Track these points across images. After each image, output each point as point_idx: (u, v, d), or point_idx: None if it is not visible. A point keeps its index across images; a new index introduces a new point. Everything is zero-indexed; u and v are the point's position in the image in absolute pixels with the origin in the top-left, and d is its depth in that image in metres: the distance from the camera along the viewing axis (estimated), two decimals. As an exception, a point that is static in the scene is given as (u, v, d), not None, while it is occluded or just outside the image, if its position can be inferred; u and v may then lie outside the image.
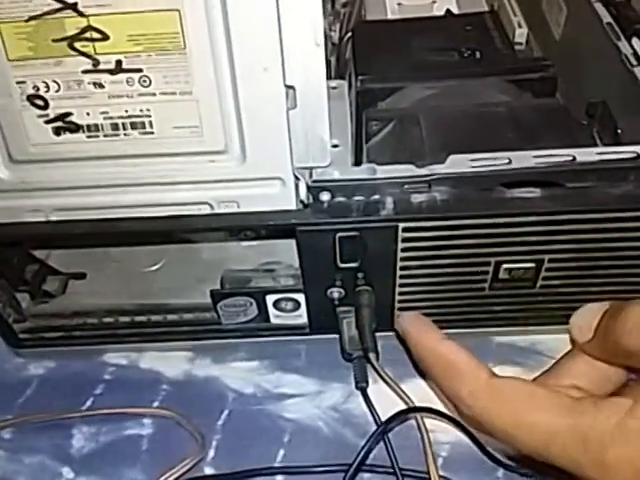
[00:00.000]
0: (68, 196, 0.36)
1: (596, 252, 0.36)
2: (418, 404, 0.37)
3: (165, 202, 0.36)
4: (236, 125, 0.33)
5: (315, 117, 0.33)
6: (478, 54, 0.45)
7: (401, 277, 0.38)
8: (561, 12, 0.52)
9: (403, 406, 0.37)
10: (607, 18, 0.45)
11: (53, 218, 0.36)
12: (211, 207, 0.36)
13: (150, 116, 0.33)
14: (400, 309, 0.41)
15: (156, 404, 0.42)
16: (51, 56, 0.32)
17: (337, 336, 0.41)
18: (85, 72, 0.32)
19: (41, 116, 0.33)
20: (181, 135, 0.34)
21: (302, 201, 0.36)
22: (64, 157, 0.35)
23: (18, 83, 0.32)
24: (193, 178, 0.35)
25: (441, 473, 0.37)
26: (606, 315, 0.29)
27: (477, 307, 0.40)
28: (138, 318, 0.44)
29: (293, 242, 0.37)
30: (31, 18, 0.30)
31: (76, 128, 0.34)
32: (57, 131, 0.34)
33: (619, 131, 0.39)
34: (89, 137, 0.34)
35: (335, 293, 0.40)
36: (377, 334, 0.42)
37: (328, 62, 0.52)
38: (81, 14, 0.31)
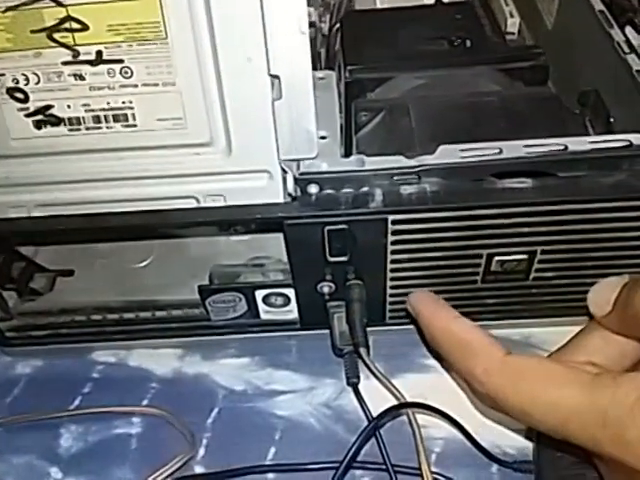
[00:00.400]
0: (51, 191, 0.35)
1: (589, 242, 0.36)
2: (410, 399, 0.37)
3: (150, 196, 0.35)
4: (221, 117, 0.33)
5: (301, 108, 0.32)
6: (468, 43, 0.44)
7: (392, 270, 0.38)
8: (553, 1, 0.51)
9: (395, 402, 0.36)
10: (599, 6, 0.44)
11: (36, 214, 0.36)
12: (197, 201, 0.35)
13: (133, 108, 0.33)
14: (392, 303, 0.40)
15: (145, 402, 0.41)
16: (30, 48, 0.31)
17: (329, 331, 0.41)
18: (65, 63, 0.31)
19: (21, 109, 0.33)
20: (165, 127, 0.33)
21: (290, 194, 0.35)
22: (46, 151, 0.34)
23: (-3, 76, 0.32)
24: (178, 171, 0.34)
25: (435, 469, 0.37)
26: (625, 288, 0.29)
27: (470, 300, 0.40)
28: (126, 315, 0.43)
29: (282, 236, 0.36)
30: (9, 9, 0.30)
31: (57, 121, 0.33)
32: (38, 125, 0.33)
33: (611, 120, 0.38)
34: (71, 130, 0.33)
35: (325, 288, 0.39)
36: (369, 329, 0.41)
37: (318, 53, 0.51)
38: (60, 4, 0.30)
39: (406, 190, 0.34)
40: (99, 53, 0.31)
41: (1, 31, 0.30)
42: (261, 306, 0.41)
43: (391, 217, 0.34)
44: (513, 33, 0.52)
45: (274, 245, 0.41)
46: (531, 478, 0.35)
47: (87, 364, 0.44)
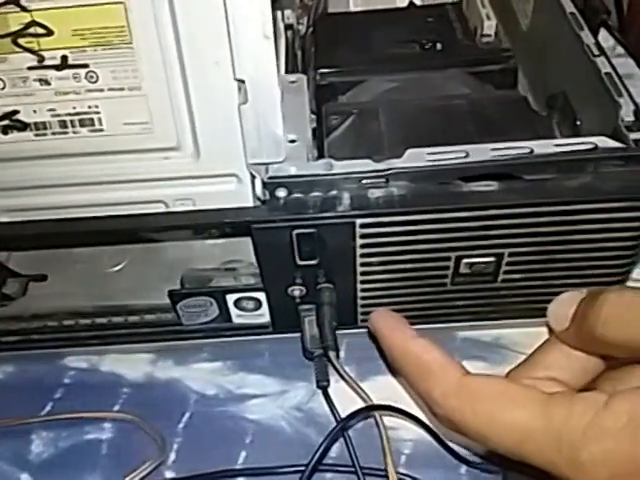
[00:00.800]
0: (19, 197, 0.35)
1: (556, 245, 0.36)
2: (382, 402, 0.37)
3: (119, 201, 0.35)
4: (188, 121, 0.33)
5: (267, 112, 0.32)
6: (439, 46, 0.45)
7: (362, 274, 0.38)
8: (528, 3, 0.52)
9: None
10: (570, 8, 0.45)
11: (4, 219, 0.36)
12: (166, 205, 0.35)
13: (99, 113, 0.32)
14: (363, 306, 0.40)
15: (117, 408, 0.41)
16: (-5, 53, 0.31)
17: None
18: (30, 68, 0.31)
19: (-13, 115, 0.33)
20: (132, 132, 0.33)
21: (259, 198, 0.35)
22: (13, 157, 0.34)
23: (-39, 82, 0.31)
24: (146, 176, 0.34)
25: (404, 470, 0.37)
26: (582, 303, 0.29)
27: (440, 302, 0.40)
28: (99, 320, 0.43)
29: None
30: (-28, 15, 0.30)
31: (23, 126, 0.33)
32: (4, 130, 0.33)
33: (578, 122, 0.38)
34: (37, 135, 0.33)
35: (296, 291, 0.39)
36: (343, 331, 0.41)
37: (294, 56, 0.52)
38: (24, 9, 0.30)
39: (374, 194, 0.34)
40: (64, 58, 0.31)
41: (-35, 37, 0.30)
42: (233, 310, 0.41)
43: (359, 221, 0.34)
44: (490, 35, 0.52)
45: (248, 249, 0.41)
46: (499, 479, 0.36)
47: (59, 370, 0.43)
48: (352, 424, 0.38)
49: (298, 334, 0.41)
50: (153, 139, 0.33)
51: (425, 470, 0.37)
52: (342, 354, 0.42)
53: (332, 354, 0.37)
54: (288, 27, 0.53)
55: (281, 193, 0.35)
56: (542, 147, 0.34)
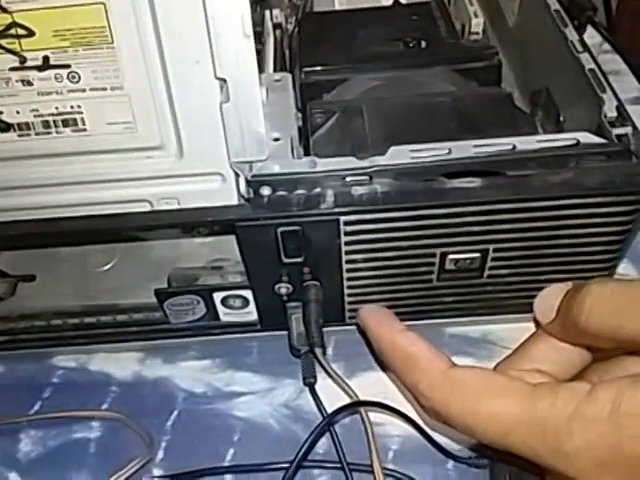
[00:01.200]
0: (3, 197, 0.35)
1: (540, 240, 0.36)
2: (370, 398, 0.37)
3: (103, 200, 0.35)
4: (171, 120, 0.33)
5: (249, 110, 0.32)
6: (423, 44, 0.45)
7: (348, 271, 0.38)
8: (515, 0, 0.52)
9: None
10: (555, 5, 0.45)
11: (-12, 219, 0.36)
12: (151, 204, 0.35)
13: (82, 113, 0.33)
14: (350, 303, 0.40)
15: (105, 406, 0.41)
16: (-24, 54, 0.31)
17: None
18: (12, 69, 0.31)
19: (-30, 116, 0.33)
20: (115, 131, 0.33)
21: (243, 196, 0.35)
22: (-4, 157, 0.34)
23: (-57, 84, 0.31)
24: (130, 175, 0.35)
25: (392, 466, 0.37)
26: (567, 295, 0.29)
27: (427, 299, 0.40)
28: (87, 319, 0.43)
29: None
30: (-47, 16, 0.30)
31: (6, 127, 0.33)
32: (-13, 131, 0.33)
33: (561, 119, 0.38)
34: (20, 136, 0.33)
35: (283, 289, 0.39)
36: (331, 328, 0.42)
37: (283, 55, 0.52)
38: (5, 10, 0.30)
39: (357, 191, 0.34)
40: (46, 58, 0.31)
41: (-54, 38, 0.30)
42: (220, 308, 0.41)
43: (343, 218, 0.34)
44: (478, 33, 0.52)
45: (234, 247, 0.41)
46: (486, 474, 0.36)
47: (47, 369, 0.43)
48: (338, 420, 0.38)
49: (286, 332, 0.41)
50: (136, 138, 0.33)
51: (412, 465, 0.37)
52: (330, 351, 0.43)
53: (318, 351, 0.37)
54: (277, 26, 0.53)
55: (265, 191, 0.35)
56: (524, 143, 0.34)
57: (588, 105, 0.37)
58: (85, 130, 0.33)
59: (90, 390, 0.42)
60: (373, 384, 0.41)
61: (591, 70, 0.39)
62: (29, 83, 0.32)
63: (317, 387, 0.39)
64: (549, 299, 0.30)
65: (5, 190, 0.35)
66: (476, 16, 0.53)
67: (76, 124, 0.33)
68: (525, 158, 0.34)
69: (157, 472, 0.38)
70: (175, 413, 0.41)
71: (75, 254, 0.46)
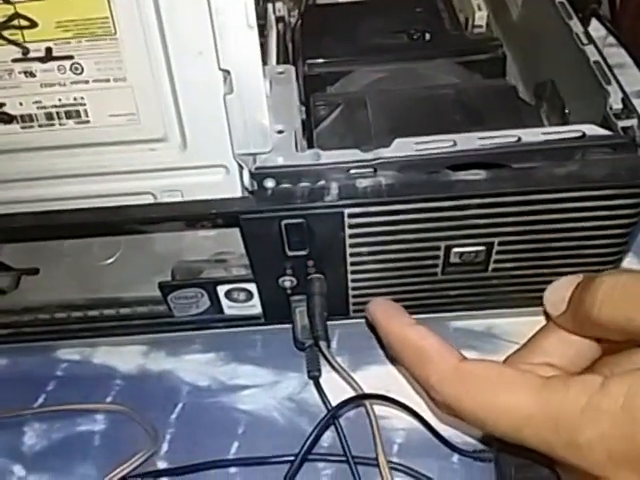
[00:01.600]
0: (6, 189, 0.35)
1: (544, 233, 0.36)
2: (374, 391, 0.37)
3: (106, 193, 0.35)
4: (174, 112, 0.33)
5: (253, 102, 0.32)
6: (427, 36, 0.44)
7: (352, 264, 0.38)
8: (518, -7, 0.51)
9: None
10: (560, -3, 0.45)
11: (-8, 212, 0.36)
12: (154, 197, 0.35)
13: (85, 104, 0.32)
14: (355, 296, 0.40)
15: (109, 399, 0.41)
16: (-21, 46, 0.31)
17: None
18: (15, 61, 0.31)
19: (-27, 108, 0.33)
20: (118, 123, 0.33)
21: (247, 188, 0.35)
22: (0, 149, 0.34)
23: (-54, 75, 0.31)
24: (134, 167, 0.34)
25: (396, 459, 0.37)
26: (578, 287, 0.29)
27: (431, 292, 0.40)
28: (91, 313, 0.43)
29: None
30: (-45, 7, 0.30)
31: (10, 119, 0.33)
32: (-10, 122, 0.33)
33: (567, 111, 0.38)
34: (23, 128, 0.33)
35: (287, 282, 0.39)
36: (335, 322, 0.41)
37: (286, 48, 0.51)
38: (7, 1, 0.30)
39: (361, 183, 0.34)
40: (49, 50, 0.31)
41: (-51, 29, 0.30)
42: (224, 301, 0.41)
43: (347, 210, 0.34)
44: (481, 26, 0.52)
45: (238, 240, 0.41)
46: (491, 467, 0.36)
47: (51, 362, 0.43)
48: (343, 413, 0.38)
49: (290, 325, 0.41)
50: (139, 130, 0.33)
51: (417, 459, 0.37)
52: (334, 344, 0.43)
53: (323, 344, 0.37)
54: (279, 19, 0.53)
55: (269, 183, 0.35)
56: (530, 135, 0.34)
57: (593, 97, 0.37)
58: (88, 122, 0.33)
59: (94, 383, 0.42)
60: (377, 377, 0.41)
61: (596, 62, 0.39)
62: (32, 74, 0.32)
63: (321, 380, 0.39)
64: (560, 291, 0.30)
65: (8, 182, 0.35)
66: (480, 9, 0.53)
67: (79, 116, 0.33)
68: (530, 150, 0.34)
69: (162, 465, 0.38)
70: (179, 406, 0.41)
71: (79, 247, 0.46)
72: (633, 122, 0.35)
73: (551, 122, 0.39)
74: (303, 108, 0.43)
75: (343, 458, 0.36)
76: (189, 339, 0.44)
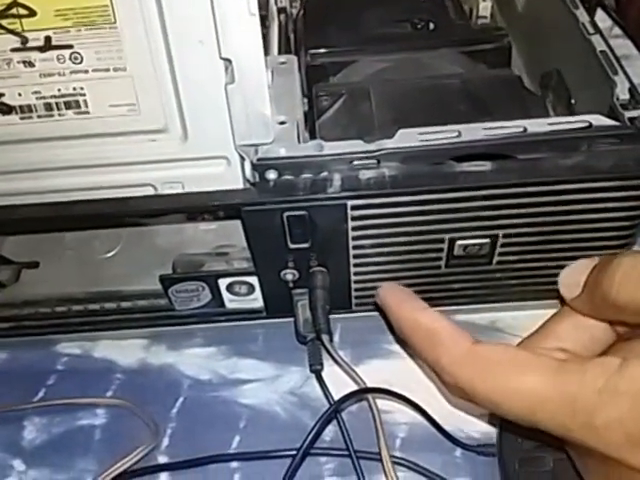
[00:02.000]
0: (5, 181, 0.35)
1: (550, 225, 0.35)
2: (376, 385, 0.37)
3: (106, 184, 0.35)
4: (175, 102, 0.32)
5: (254, 92, 0.31)
6: (432, 25, 0.44)
7: (355, 257, 0.37)
8: (523, -18, 0.51)
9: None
10: (565, -13, 0.44)
11: (-9, 204, 0.35)
12: (155, 188, 0.35)
13: (84, 95, 0.32)
14: (357, 289, 0.40)
15: (110, 393, 0.41)
16: (-23, 35, 0.30)
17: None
18: (14, 50, 0.31)
19: (-29, 98, 0.32)
20: (118, 114, 0.33)
21: (249, 180, 0.35)
22: (-1, 140, 0.33)
23: (-56, 65, 0.31)
24: (134, 159, 0.34)
25: (399, 454, 0.37)
26: (595, 269, 0.28)
27: (435, 285, 0.40)
28: (91, 306, 0.42)
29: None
30: (-47, -4, 0.29)
31: (8, 110, 0.33)
32: (-11, 113, 0.33)
33: (573, 101, 0.38)
34: (22, 119, 0.33)
35: (289, 275, 0.39)
36: (337, 316, 0.41)
37: (287, 40, 0.51)
38: (6, -11, 0.29)
39: (365, 175, 0.34)
40: (48, 39, 0.30)
41: (-53, 19, 0.30)
42: (225, 295, 0.40)
43: (350, 202, 0.34)
44: (485, 17, 0.52)
45: (240, 233, 0.41)
46: (494, 461, 0.35)
47: (52, 356, 0.43)
48: (345, 407, 0.38)
49: (292, 319, 0.41)
50: (140, 121, 0.33)
51: (420, 453, 0.37)
52: (337, 338, 0.42)
53: (325, 337, 0.37)
54: (281, 10, 0.52)
55: (271, 175, 0.34)
56: (536, 126, 0.33)
57: (600, 87, 0.37)
58: (88, 112, 0.33)
59: (95, 377, 0.42)
60: (380, 372, 0.40)
61: (602, 52, 0.38)
62: (31, 64, 0.31)
63: (323, 374, 0.39)
64: (575, 274, 0.29)
65: (7, 174, 0.34)
66: (484, 0, 0.52)
67: (79, 106, 0.32)
68: (536, 141, 0.33)
69: (163, 459, 0.38)
70: (180, 400, 0.40)
71: (79, 241, 0.46)
72: (640, 112, 0.35)
73: (557, 112, 0.39)
74: (306, 100, 0.42)
75: (345, 452, 0.36)
76: (190, 333, 0.43)
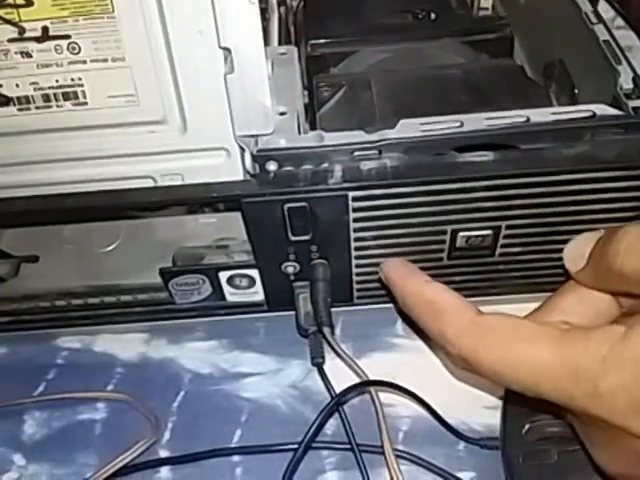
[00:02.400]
0: (3, 173, 0.34)
1: (553, 216, 0.35)
2: (378, 378, 0.36)
3: (105, 176, 0.34)
4: (174, 92, 0.32)
5: (254, 81, 0.31)
6: (433, 15, 0.43)
7: (356, 249, 0.37)
8: (525, -26, 0.50)
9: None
10: (568, -23, 0.44)
11: (-11, 196, 0.35)
12: (154, 180, 0.35)
13: (82, 85, 0.32)
14: (358, 282, 0.40)
15: (110, 388, 0.41)
16: (-27, 25, 0.30)
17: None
18: (11, 41, 0.30)
19: (-32, 90, 0.32)
20: (117, 105, 0.32)
21: (249, 171, 0.34)
22: (-4, 132, 0.33)
23: (-59, 56, 0.31)
24: (133, 150, 0.34)
25: (402, 447, 0.37)
26: (600, 241, 0.28)
27: (437, 278, 0.39)
28: (91, 300, 0.42)
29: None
30: (-51, -15, 0.29)
31: (6, 101, 0.32)
32: (-14, 105, 0.32)
33: (576, 91, 0.37)
34: (20, 110, 0.32)
35: (290, 268, 0.38)
36: (338, 309, 0.41)
37: (288, 32, 0.51)
38: (2, -22, 0.29)
39: (366, 165, 0.34)
40: (45, 29, 0.30)
41: (-57, 9, 0.29)
42: (226, 288, 0.40)
43: (351, 193, 0.33)
44: (487, 8, 0.51)
45: (241, 225, 0.41)
46: (497, 455, 0.35)
47: (52, 350, 0.43)
48: (347, 400, 0.37)
49: (293, 312, 0.40)
50: (138, 112, 0.32)
51: (423, 447, 0.37)
52: (338, 332, 0.42)
53: (327, 330, 0.37)
54: (281, 3, 0.52)
55: (271, 166, 0.34)
56: (539, 115, 0.33)
57: (603, 77, 0.36)
58: (86, 104, 0.32)
59: (95, 371, 0.41)
60: (382, 364, 0.40)
61: (606, 42, 0.38)
62: (28, 55, 0.31)
63: (325, 367, 0.38)
64: (579, 246, 0.29)
65: (4, 166, 0.34)
66: (485, -9, 0.52)
67: (77, 97, 0.32)
68: (539, 131, 0.33)
69: (164, 453, 0.37)
70: (181, 394, 0.40)
71: (79, 234, 0.45)
72: (644, 102, 0.34)
73: (560, 102, 0.38)
74: (306, 92, 0.42)
75: (347, 446, 0.36)
76: (191, 326, 0.43)
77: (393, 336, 0.42)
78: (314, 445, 0.36)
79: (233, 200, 0.34)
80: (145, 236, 0.44)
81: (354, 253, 0.37)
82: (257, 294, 0.41)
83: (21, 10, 0.30)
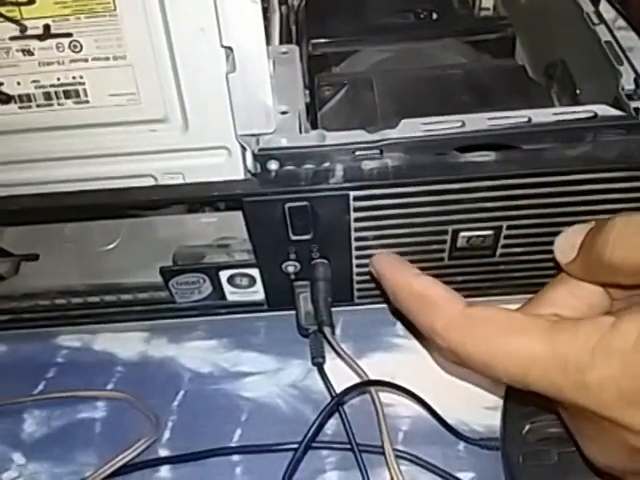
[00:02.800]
0: (4, 171, 0.34)
1: (554, 217, 0.35)
2: (378, 378, 0.36)
3: (106, 175, 0.34)
4: (175, 91, 0.32)
5: (256, 80, 0.31)
6: (435, 15, 0.43)
7: (357, 249, 0.37)
8: (527, -26, 0.50)
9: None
10: (570, -22, 0.44)
11: (-11, 194, 0.35)
12: (155, 179, 0.35)
13: (84, 84, 0.32)
14: (359, 282, 0.40)
15: (110, 386, 0.41)
16: (-25, 23, 0.30)
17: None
18: (13, 39, 0.30)
19: (-30, 88, 0.32)
20: (118, 103, 0.32)
21: (250, 171, 0.34)
22: (-3, 130, 0.33)
23: (-57, 54, 0.31)
24: (134, 149, 0.34)
25: (402, 447, 0.37)
26: (590, 232, 0.28)
27: (438, 278, 0.39)
28: (91, 299, 0.42)
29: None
30: (-49, -17, 0.29)
31: (7, 99, 0.32)
32: (-13, 103, 0.32)
33: (578, 91, 0.37)
34: (21, 108, 0.32)
35: (290, 267, 0.38)
36: (339, 309, 0.41)
37: (289, 31, 0.51)
38: (4, -24, 0.29)
39: (367, 165, 0.33)
40: (47, 27, 0.30)
41: (-56, 6, 0.29)
42: (226, 287, 0.40)
43: (352, 193, 0.33)
44: (488, 9, 0.51)
45: (241, 225, 0.41)
46: (497, 455, 0.35)
47: (51, 349, 0.43)
48: (348, 400, 0.37)
49: (294, 311, 0.40)
50: (140, 111, 0.32)
51: (423, 447, 0.37)
52: (339, 331, 0.42)
53: (327, 330, 0.37)
54: (282, 2, 0.52)
55: (272, 165, 0.34)
56: (540, 116, 0.33)
57: (605, 78, 0.36)
58: (87, 102, 0.32)
59: (95, 370, 0.41)
60: (382, 364, 0.40)
61: (607, 42, 0.38)
62: (30, 53, 0.31)
63: (325, 367, 0.38)
64: (570, 238, 0.29)
65: (6, 164, 0.34)
66: (486, -9, 0.52)
67: (78, 95, 0.32)
68: (541, 131, 0.33)
69: (164, 452, 0.37)
70: (181, 393, 0.40)
71: (79, 233, 0.45)
72: (646, 103, 0.34)
73: (562, 103, 0.38)
74: (307, 92, 0.42)
75: (347, 446, 0.36)
76: (191, 325, 0.43)
77: (393, 336, 0.42)
78: (314, 445, 0.36)
79: (234, 199, 0.34)
80: (146, 235, 0.44)
81: (355, 253, 0.37)
82: (257, 293, 0.41)
83: (23, 8, 0.30)
